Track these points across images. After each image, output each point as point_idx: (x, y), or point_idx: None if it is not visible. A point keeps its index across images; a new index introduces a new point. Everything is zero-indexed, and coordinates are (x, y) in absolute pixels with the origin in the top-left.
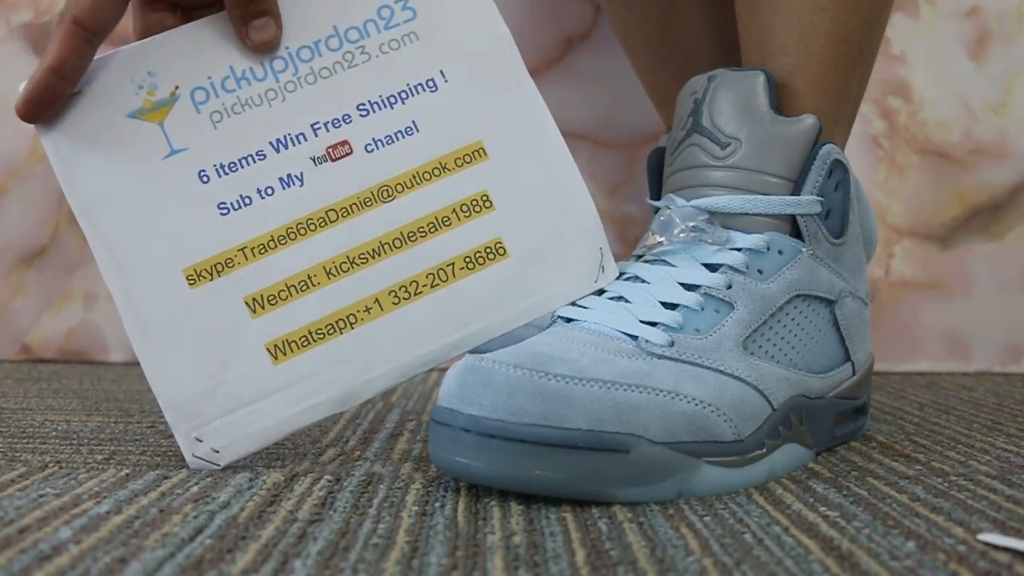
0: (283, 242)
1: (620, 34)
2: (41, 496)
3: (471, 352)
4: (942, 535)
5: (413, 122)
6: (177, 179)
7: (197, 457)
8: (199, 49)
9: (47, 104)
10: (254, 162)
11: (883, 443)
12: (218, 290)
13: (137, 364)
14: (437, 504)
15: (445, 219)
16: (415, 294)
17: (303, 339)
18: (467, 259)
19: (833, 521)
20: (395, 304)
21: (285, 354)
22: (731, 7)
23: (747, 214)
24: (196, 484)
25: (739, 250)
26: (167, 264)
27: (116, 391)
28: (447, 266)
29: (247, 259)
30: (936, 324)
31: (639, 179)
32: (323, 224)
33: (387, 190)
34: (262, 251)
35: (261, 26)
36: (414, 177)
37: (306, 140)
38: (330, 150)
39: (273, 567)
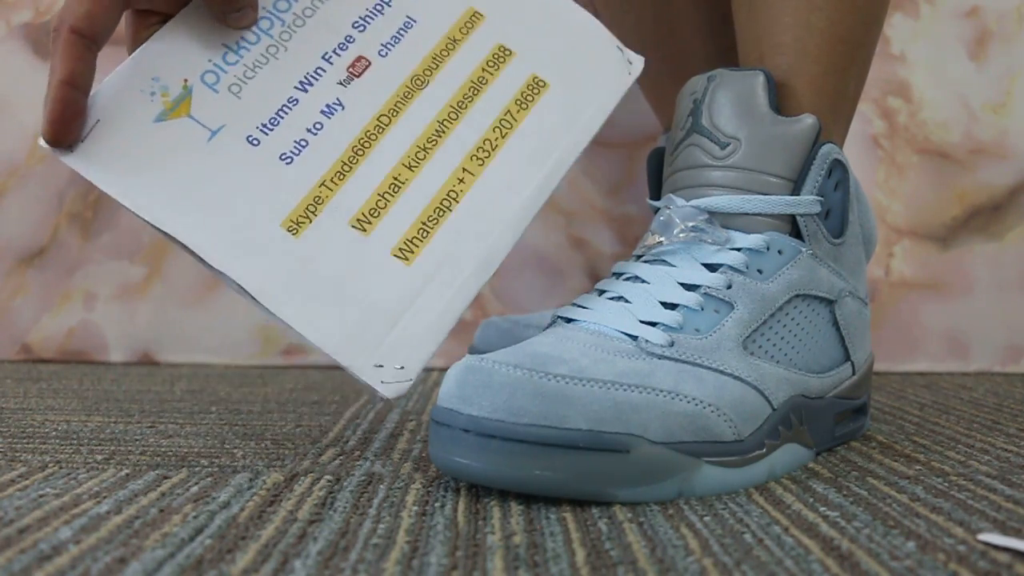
0: (354, 161)
1: (616, 35)
2: (41, 496)
3: (471, 352)
4: (942, 535)
5: (408, 16)
6: (230, 153)
7: (386, 383)
8: (186, 42)
9: (71, 119)
10: (290, 110)
11: (883, 443)
12: (322, 227)
13: (137, 364)
14: (437, 504)
15: (480, 79)
16: (493, 150)
17: (421, 231)
18: (518, 102)
19: (833, 521)
20: (481, 165)
21: (413, 252)
22: (726, 7)
23: (747, 214)
24: (196, 484)
25: (739, 250)
26: (264, 227)
27: (116, 391)
28: (505, 115)
29: (332, 189)
30: (936, 324)
31: (639, 179)
32: (380, 131)
33: (418, 78)
34: (340, 177)
35: (240, 16)
36: (434, 59)
37: (325, 72)
38: (350, 69)
39: (273, 567)
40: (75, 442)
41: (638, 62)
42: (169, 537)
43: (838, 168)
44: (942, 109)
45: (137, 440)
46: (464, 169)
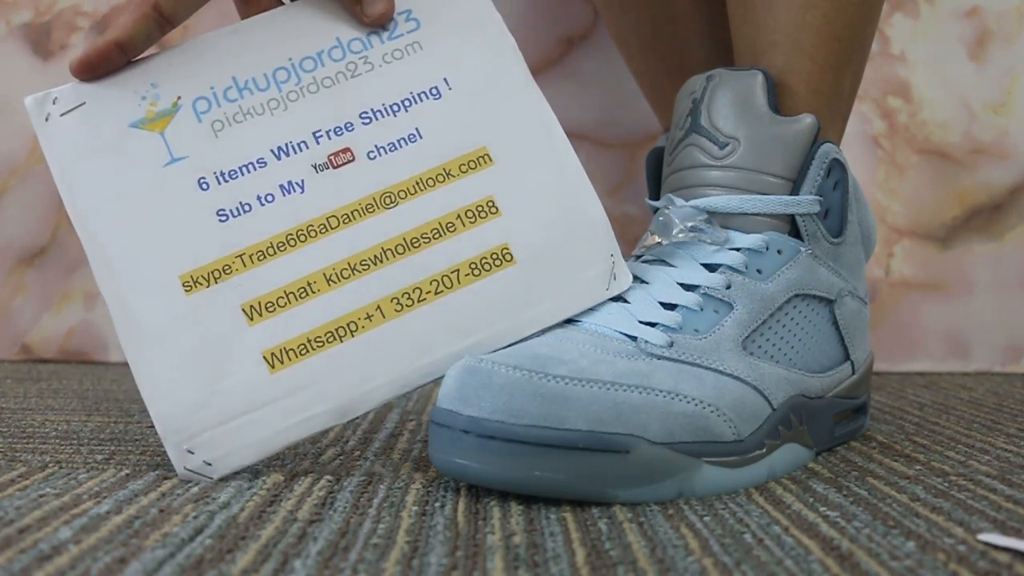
0: (282, 249)
1: (615, 35)
2: (41, 496)
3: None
4: (942, 535)
5: (416, 129)
6: (176, 187)
7: (189, 470)
8: (202, 61)
9: (100, 71)
10: (254, 169)
11: (883, 443)
12: (215, 296)
13: None
14: (437, 504)
15: (449, 225)
16: (418, 301)
17: (302, 347)
18: (472, 265)
19: (833, 521)
20: (397, 312)
21: (283, 363)
22: (725, 6)
23: (746, 214)
24: (196, 484)
25: (738, 250)
26: (163, 270)
27: (116, 391)
28: (452, 272)
29: (245, 265)
30: (936, 324)
31: (639, 179)
32: (324, 231)
33: (390, 196)
34: (261, 258)
35: (374, 1)
36: (417, 183)
37: (307, 148)
38: (332, 157)
39: (273, 567)
40: (75, 442)
41: (624, 281)
42: (169, 537)
43: (837, 167)
44: (942, 109)
45: (137, 440)
46: (379, 307)
